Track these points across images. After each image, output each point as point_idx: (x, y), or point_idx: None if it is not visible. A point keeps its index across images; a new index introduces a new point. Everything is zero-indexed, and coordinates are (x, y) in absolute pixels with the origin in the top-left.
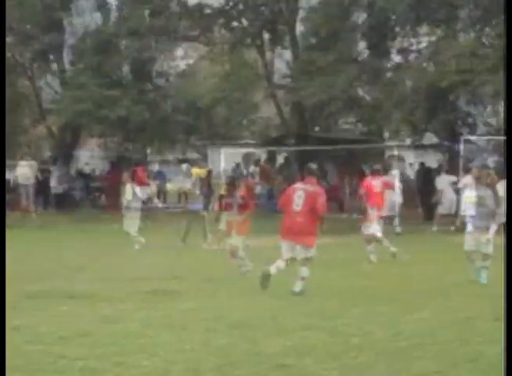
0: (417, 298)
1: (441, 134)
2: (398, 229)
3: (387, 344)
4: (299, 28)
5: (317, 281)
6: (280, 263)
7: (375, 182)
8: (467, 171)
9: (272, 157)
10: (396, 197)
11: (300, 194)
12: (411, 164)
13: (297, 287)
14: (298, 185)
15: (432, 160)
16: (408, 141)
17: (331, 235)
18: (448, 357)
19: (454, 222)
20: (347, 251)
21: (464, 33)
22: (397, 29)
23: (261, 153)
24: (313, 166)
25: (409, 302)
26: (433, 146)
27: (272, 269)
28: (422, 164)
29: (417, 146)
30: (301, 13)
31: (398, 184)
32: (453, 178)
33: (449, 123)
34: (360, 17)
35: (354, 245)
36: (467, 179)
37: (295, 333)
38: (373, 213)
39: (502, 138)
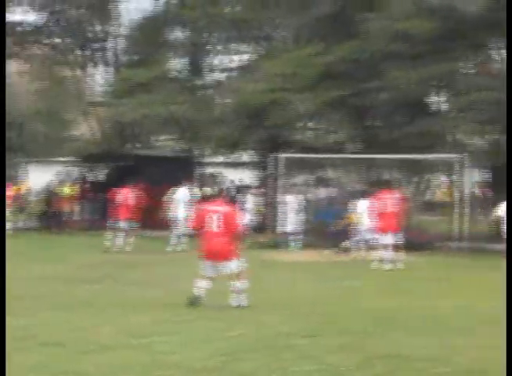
0: (233, 314)
1: (258, 151)
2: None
3: (203, 361)
4: (119, 45)
5: (135, 298)
6: (203, 283)
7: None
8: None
9: (91, 174)
10: (179, 213)
11: (217, 216)
12: (232, 181)
13: (235, 301)
14: (212, 207)
15: (250, 177)
16: (227, 158)
17: (145, 252)
18: (262, 373)
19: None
20: (166, 267)
21: (284, 52)
22: (217, 47)
23: (80, 171)
24: (222, 188)
25: (224, 319)
26: (250, 164)
27: (198, 291)
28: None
29: (235, 164)
30: (121, 30)
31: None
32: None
33: (267, 140)
34: (180, 34)
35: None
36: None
37: (111, 351)
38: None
39: (320, 156)
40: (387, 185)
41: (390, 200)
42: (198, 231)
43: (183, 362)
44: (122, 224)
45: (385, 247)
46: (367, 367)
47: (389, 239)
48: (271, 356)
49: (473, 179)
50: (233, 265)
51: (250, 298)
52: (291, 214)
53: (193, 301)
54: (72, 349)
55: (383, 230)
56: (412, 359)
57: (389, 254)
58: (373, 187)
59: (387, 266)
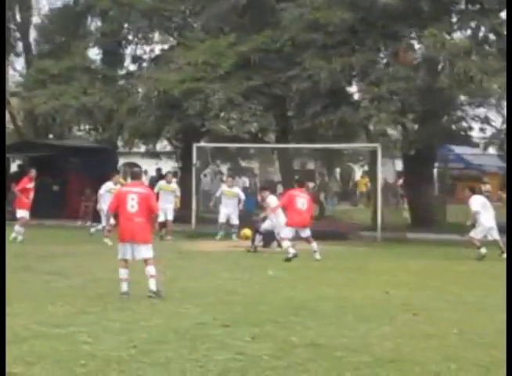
0: (147, 305)
1: (176, 141)
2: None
3: (118, 351)
4: (32, 35)
5: (52, 289)
6: (122, 272)
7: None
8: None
9: (5, 165)
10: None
11: (133, 197)
12: (145, 172)
13: (153, 285)
14: (128, 188)
15: (167, 167)
16: (144, 148)
17: (63, 243)
18: (177, 363)
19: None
20: (84, 258)
21: (199, 42)
22: (130, 37)
23: None
24: (137, 169)
25: (140, 309)
26: (166, 154)
27: (124, 287)
28: (159, 169)
29: (151, 154)
30: (34, 20)
31: (101, 193)
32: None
33: (184, 130)
34: (93, 25)
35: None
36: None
37: (26, 341)
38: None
39: (235, 145)
40: (299, 181)
41: (301, 195)
42: (116, 213)
43: (98, 352)
44: (19, 214)
45: (302, 239)
46: (285, 356)
47: (304, 232)
48: (186, 347)
49: (388, 169)
50: (147, 251)
51: (166, 288)
52: (227, 203)
53: (124, 295)
54: None
55: (296, 224)
56: (331, 348)
57: (306, 244)
58: (288, 179)
59: (295, 255)
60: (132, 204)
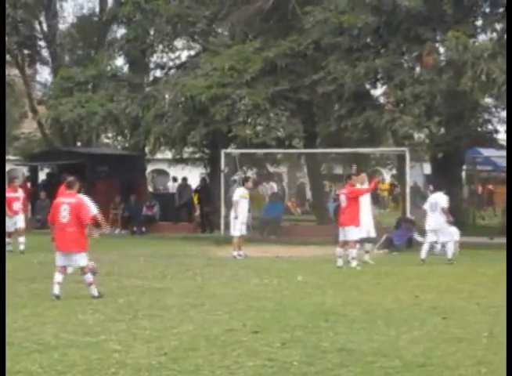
0: (177, 312)
1: (202, 147)
2: None
3: (148, 359)
4: (58, 44)
5: (79, 296)
6: (57, 276)
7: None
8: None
9: (34, 173)
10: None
11: (65, 207)
12: (174, 179)
13: (94, 291)
14: (61, 199)
15: (194, 173)
16: (170, 155)
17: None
18: (207, 370)
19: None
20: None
21: (224, 47)
22: (155, 44)
23: (27, 169)
24: (71, 179)
25: (170, 317)
26: (194, 160)
27: (56, 290)
28: (184, 178)
29: (178, 160)
30: (60, 29)
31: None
32: None
33: (209, 136)
34: (119, 32)
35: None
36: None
37: (56, 350)
38: None
39: (263, 151)
40: (347, 179)
41: (348, 194)
42: (52, 223)
43: (128, 360)
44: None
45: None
46: (316, 362)
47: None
48: (215, 353)
49: (417, 172)
50: (82, 260)
51: (196, 294)
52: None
53: (56, 297)
54: (17, 349)
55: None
56: (361, 353)
57: (341, 250)
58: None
59: (339, 263)
60: (64, 215)
